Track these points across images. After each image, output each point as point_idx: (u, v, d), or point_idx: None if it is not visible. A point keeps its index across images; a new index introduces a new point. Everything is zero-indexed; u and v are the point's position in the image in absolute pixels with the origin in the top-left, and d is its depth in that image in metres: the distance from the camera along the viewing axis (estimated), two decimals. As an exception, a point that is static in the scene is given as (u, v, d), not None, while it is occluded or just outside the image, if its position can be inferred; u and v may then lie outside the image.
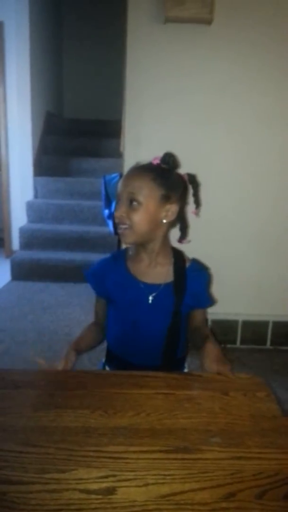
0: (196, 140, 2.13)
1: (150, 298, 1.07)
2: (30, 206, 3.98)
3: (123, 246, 1.18)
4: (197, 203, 1.13)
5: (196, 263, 1.15)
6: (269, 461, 0.68)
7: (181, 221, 1.16)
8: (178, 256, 1.13)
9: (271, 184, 2.22)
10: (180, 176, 1.10)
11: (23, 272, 3.51)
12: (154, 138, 2.10)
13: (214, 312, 2.31)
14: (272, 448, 0.71)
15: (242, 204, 2.24)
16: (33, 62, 3.95)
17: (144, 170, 1.05)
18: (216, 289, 2.27)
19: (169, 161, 1.07)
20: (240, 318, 2.37)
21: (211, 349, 1.01)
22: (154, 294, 1.07)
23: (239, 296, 2.30)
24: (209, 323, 2.32)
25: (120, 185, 1.05)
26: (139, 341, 1.10)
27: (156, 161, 1.07)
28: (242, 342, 2.40)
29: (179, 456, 0.69)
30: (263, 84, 2.10)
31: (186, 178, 1.11)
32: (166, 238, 1.11)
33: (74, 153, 4.45)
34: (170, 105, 2.11)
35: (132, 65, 2.07)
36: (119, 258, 1.14)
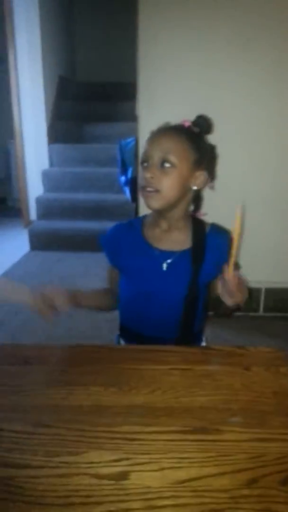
0: (212, 103, 1.98)
1: (164, 265, 1.01)
2: (46, 175, 3.92)
3: (143, 213, 1.11)
4: (213, 176, 1.04)
5: (216, 227, 1.07)
6: (294, 443, 0.64)
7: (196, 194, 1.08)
8: (197, 222, 1.06)
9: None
10: (209, 143, 1.02)
11: (41, 242, 3.49)
12: (170, 100, 1.99)
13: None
14: (297, 429, 0.66)
15: (261, 170, 2.12)
16: (43, 24, 3.79)
17: (176, 130, 0.98)
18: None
19: (203, 124, 0.99)
20: (263, 286, 2.30)
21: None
22: (168, 261, 1.00)
23: (260, 263, 2.22)
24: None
25: (149, 144, 0.96)
26: (154, 313, 1.04)
27: (188, 123, 0.99)
28: (265, 310, 2.34)
29: (197, 437, 0.65)
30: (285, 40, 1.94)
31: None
32: (188, 205, 1.04)
33: (88, 118, 4.32)
34: (185, 65, 1.98)
35: (145, 23, 1.94)
36: (135, 224, 1.07)
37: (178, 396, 0.75)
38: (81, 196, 3.77)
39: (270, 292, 2.31)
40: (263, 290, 2.31)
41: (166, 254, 1.01)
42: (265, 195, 2.15)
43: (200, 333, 1.14)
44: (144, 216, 1.08)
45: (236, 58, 1.97)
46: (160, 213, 1.02)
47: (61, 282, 2.85)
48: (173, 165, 0.93)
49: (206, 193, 1.08)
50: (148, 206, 0.98)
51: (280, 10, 1.91)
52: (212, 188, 1.05)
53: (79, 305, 1.05)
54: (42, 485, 0.56)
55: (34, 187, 3.96)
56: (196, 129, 0.99)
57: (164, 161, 0.93)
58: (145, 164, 0.96)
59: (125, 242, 1.05)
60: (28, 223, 3.91)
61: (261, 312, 2.35)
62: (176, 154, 0.93)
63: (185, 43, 1.96)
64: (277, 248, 2.23)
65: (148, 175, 0.94)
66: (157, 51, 1.97)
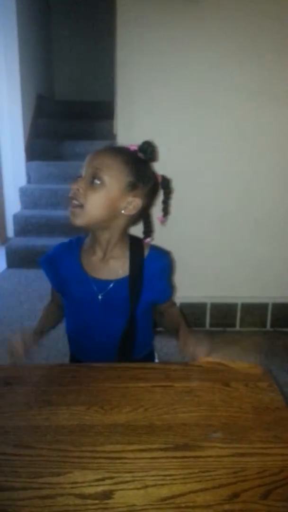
0: (191, 120, 2.05)
1: (100, 296, 0.98)
2: (23, 192, 3.90)
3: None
4: (166, 211, 1.02)
5: (155, 251, 1.02)
6: (273, 457, 0.65)
7: (145, 222, 1.07)
8: (135, 247, 1.00)
9: (269, 167, 2.15)
10: (153, 173, 0.99)
11: (19, 259, 3.45)
12: (148, 119, 2.02)
13: (213, 296, 2.28)
14: (276, 443, 0.68)
15: (239, 188, 2.16)
16: (22, 43, 3.82)
17: (118, 150, 0.95)
18: (215, 274, 2.25)
19: (147, 151, 0.95)
20: (239, 301, 2.34)
21: (185, 334, 0.95)
22: (104, 292, 0.98)
23: (236, 279, 2.26)
24: (208, 307, 2.30)
25: (86, 159, 0.93)
26: (92, 341, 1.03)
27: (134, 148, 0.96)
28: (241, 325, 2.37)
29: (179, 454, 0.66)
30: (260, 57, 2.01)
31: (159, 179, 1.00)
32: (124, 231, 1.00)
33: (66, 136, 4.35)
34: (163, 83, 2.02)
35: (123, 42, 1.98)
36: (75, 246, 1.03)
37: (160, 413, 0.76)
38: (59, 213, 3.76)
39: (247, 307, 2.35)
40: (239, 306, 2.35)
41: (101, 284, 0.98)
42: (237, 212, 2.19)
43: (151, 355, 1.15)
44: (85, 237, 1.04)
45: (216, 78, 2.02)
46: (93, 238, 0.99)
47: (39, 300, 2.82)
48: (102, 183, 0.89)
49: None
50: (72, 222, 0.94)
51: (263, 27, 1.98)
52: (163, 223, 1.03)
53: (43, 337, 1.06)
54: (26, 507, 0.56)
55: (11, 204, 3.93)
56: (140, 155, 0.96)
57: (94, 177, 0.90)
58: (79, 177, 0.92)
59: (63, 265, 1.02)
60: (5, 240, 3.87)
61: (237, 327, 2.38)
62: (108, 172, 0.90)
63: (164, 63, 2.00)
64: (252, 264, 2.27)
65: (75, 187, 0.90)
66: (135, 70, 2.01)
